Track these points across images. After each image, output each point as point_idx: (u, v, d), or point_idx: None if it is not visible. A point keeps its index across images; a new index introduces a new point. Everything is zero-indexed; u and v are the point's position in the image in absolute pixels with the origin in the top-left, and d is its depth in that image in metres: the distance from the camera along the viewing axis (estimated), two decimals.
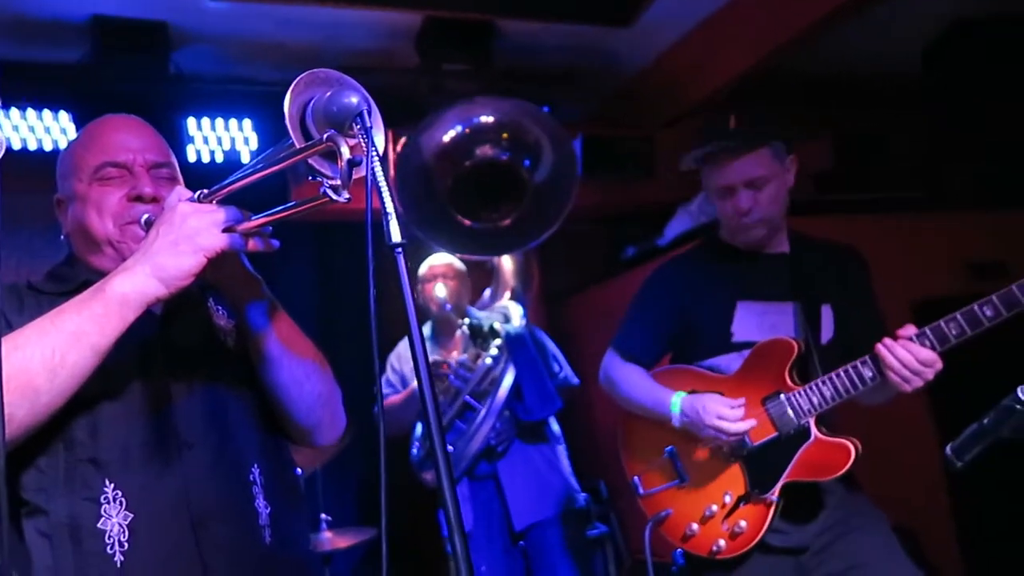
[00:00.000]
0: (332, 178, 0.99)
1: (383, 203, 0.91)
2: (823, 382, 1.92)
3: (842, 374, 1.90)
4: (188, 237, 1.09)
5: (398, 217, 0.92)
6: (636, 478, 2.16)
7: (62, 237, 1.40)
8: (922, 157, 4.28)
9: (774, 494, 1.94)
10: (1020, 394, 1.23)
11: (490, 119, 2.02)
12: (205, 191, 1.16)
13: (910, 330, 1.83)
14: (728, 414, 1.93)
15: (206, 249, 1.10)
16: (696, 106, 4.08)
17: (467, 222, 2.12)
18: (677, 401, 2.01)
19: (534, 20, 3.57)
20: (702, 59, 3.90)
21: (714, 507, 2.02)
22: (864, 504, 2.04)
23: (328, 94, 0.94)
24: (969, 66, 3.85)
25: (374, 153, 0.92)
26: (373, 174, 0.90)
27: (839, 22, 3.41)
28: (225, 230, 1.11)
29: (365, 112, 0.95)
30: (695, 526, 2.03)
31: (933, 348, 1.80)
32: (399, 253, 0.91)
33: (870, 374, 1.87)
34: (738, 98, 3.97)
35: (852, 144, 4.56)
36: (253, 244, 1.14)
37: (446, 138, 1.99)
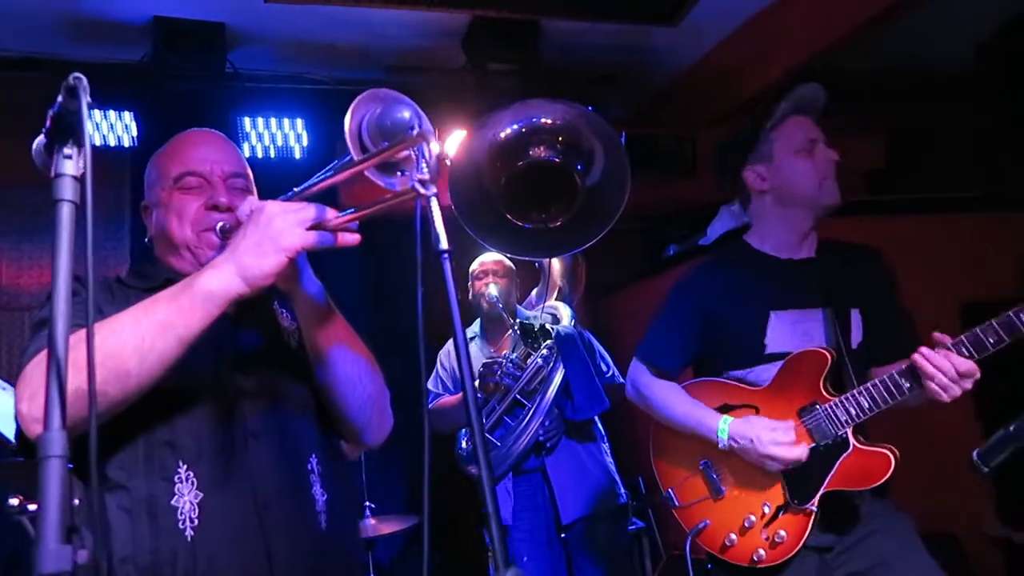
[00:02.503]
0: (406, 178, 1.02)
1: (431, 211, 0.97)
2: (860, 392, 1.89)
3: (879, 384, 1.87)
4: (272, 238, 1.14)
5: (445, 212, 0.97)
6: (670, 490, 2.16)
7: (147, 240, 1.52)
8: (976, 155, 4.18)
9: (814, 504, 1.94)
10: None
11: (547, 121, 2.05)
12: (296, 189, 1.23)
13: (946, 338, 1.78)
14: (783, 439, 1.92)
15: (287, 249, 1.14)
16: (740, 106, 4.06)
17: (518, 223, 2.15)
18: (725, 428, 1.99)
19: (580, 19, 3.60)
20: (748, 58, 3.87)
21: (753, 517, 2.01)
22: (888, 506, 2.03)
23: (379, 110, 1.01)
24: (1022, 62, 3.75)
25: (424, 164, 0.97)
26: (424, 185, 0.96)
27: (890, 20, 3.37)
28: (314, 227, 1.15)
29: (417, 125, 1.00)
30: (734, 536, 2.03)
31: (971, 356, 1.75)
32: (445, 259, 0.97)
33: (907, 384, 1.83)
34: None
35: (904, 142, 4.49)
36: (342, 239, 1.17)
37: (501, 136, 2.02)
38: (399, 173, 1.05)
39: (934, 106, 4.24)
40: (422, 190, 1.00)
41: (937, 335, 1.80)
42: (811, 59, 3.63)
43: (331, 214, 1.16)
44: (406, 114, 1.00)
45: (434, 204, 0.97)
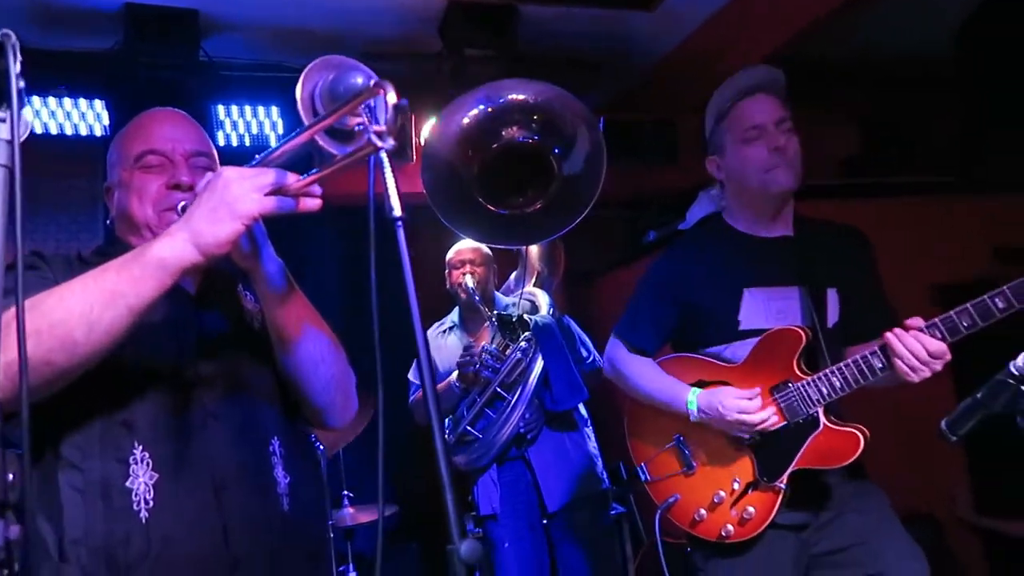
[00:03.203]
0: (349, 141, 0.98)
1: (385, 180, 0.95)
2: (832, 372, 1.91)
3: (851, 364, 1.88)
4: (227, 204, 1.10)
5: (400, 201, 0.94)
6: (643, 464, 2.18)
7: (108, 221, 1.49)
8: (951, 140, 4.21)
9: (783, 481, 1.95)
10: (1013, 369, 1.24)
11: (520, 98, 2.01)
12: (257, 157, 1.19)
13: (919, 321, 1.80)
14: (748, 406, 1.93)
15: (243, 216, 1.11)
16: None
17: (493, 209, 2.12)
18: (694, 399, 2.01)
19: (557, 4, 3.59)
20: (725, 43, 3.87)
21: (722, 493, 2.03)
22: (865, 484, 2.05)
23: (331, 76, 0.99)
24: (1002, 45, 3.77)
25: (375, 130, 0.93)
26: (377, 155, 0.94)
27: (866, 4, 3.38)
28: (273, 193, 1.12)
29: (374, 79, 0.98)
30: (703, 511, 2.05)
31: (944, 339, 1.77)
32: (399, 227, 0.95)
33: (879, 364, 1.85)
34: None
35: (880, 128, 4.51)
36: (303, 204, 1.14)
37: (472, 115, 1.99)
38: (356, 138, 1.02)
39: (909, 92, 4.26)
40: (379, 142, 0.96)
41: (909, 320, 1.81)
42: (789, 43, 3.63)
43: (292, 178, 1.12)
44: (359, 80, 0.98)
45: (386, 164, 0.94)
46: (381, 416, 0.97)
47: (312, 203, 1.14)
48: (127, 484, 1.21)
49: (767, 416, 1.94)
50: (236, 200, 1.10)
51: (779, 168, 2.01)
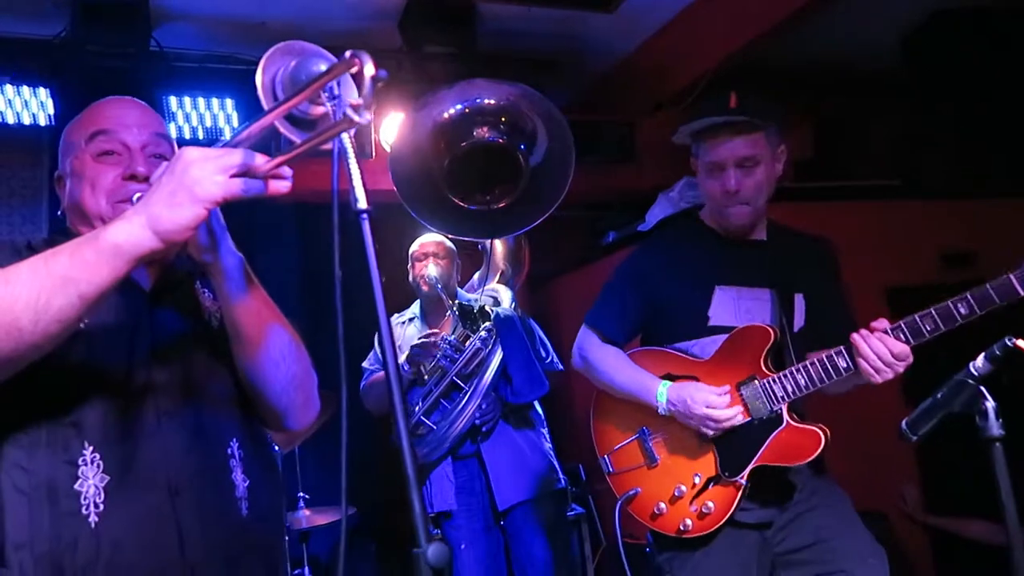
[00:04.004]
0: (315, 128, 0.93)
1: (349, 172, 0.91)
2: (797, 370, 1.94)
3: (816, 363, 1.93)
4: (187, 187, 1.02)
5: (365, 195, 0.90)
6: (606, 456, 2.19)
7: (59, 212, 1.40)
8: (899, 146, 4.32)
9: (743, 477, 1.98)
10: (972, 369, 1.27)
11: (491, 101, 2.01)
12: (222, 139, 1.12)
13: (884, 323, 1.85)
14: (716, 402, 1.95)
15: (205, 200, 1.02)
16: (677, 93, 4.10)
17: (461, 204, 2.12)
18: (664, 391, 2.03)
19: (517, 3, 3.58)
20: (683, 46, 3.92)
21: (683, 487, 2.05)
22: (828, 483, 2.08)
23: (294, 63, 0.95)
24: (948, 56, 3.89)
25: (351, 103, 0.87)
26: (341, 143, 0.91)
27: (820, 10, 3.44)
28: (240, 175, 1.04)
29: (335, 82, 0.94)
30: (663, 505, 2.06)
31: (906, 341, 1.82)
32: (364, 220, 0.91)
33: (844, 364, 1.89)
34: (719, 86, 3.99)
35: (831, 132, 4.60)
36: (273, 187, 1.07)
37: (446, 116, 1.97)
38: (319, 125, 0.98)
39: (861, 98, 4.36)
40: (356, 117, 0.88)
41: (875, 322, 1.86)
42: (745, 47, 3.69)
43: (260, 159, 1.05)
44: (322, 67, 0.94)
45: (351, 155, 0.91)
46: (344, 415, 0.93)
47: (282, 185, 1.07)
48: (75, 487, 1.15)
49: (733, 414, 1.96)
50: (197, 183, 1.02)
51: (732, 207, 2.07)
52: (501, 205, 2.12)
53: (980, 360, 1.32)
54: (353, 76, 0.89)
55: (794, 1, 3.37)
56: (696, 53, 3.87)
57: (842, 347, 1.89)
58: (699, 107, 2.15)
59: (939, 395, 1.28)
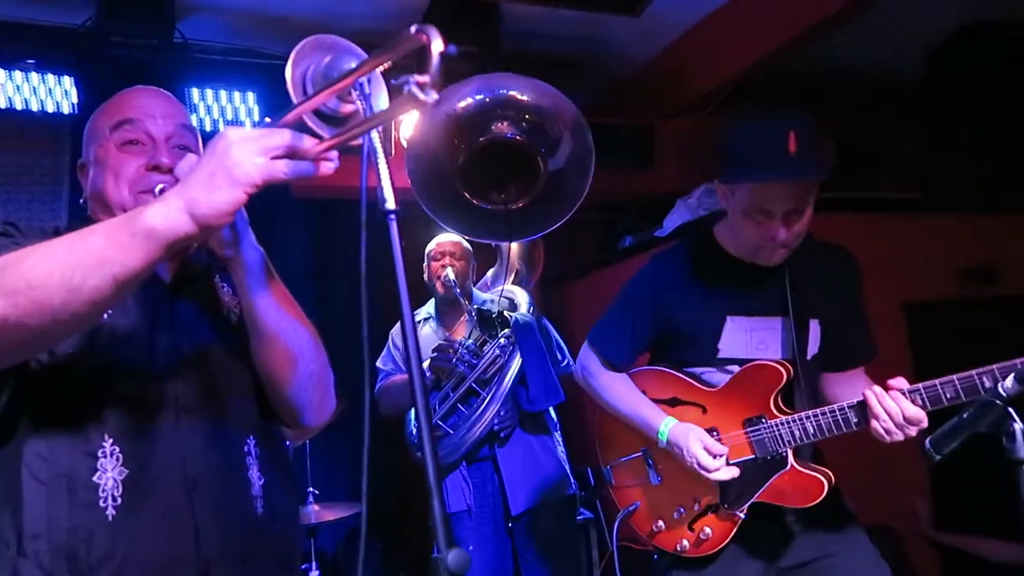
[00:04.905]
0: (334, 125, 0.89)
1: (378, 171, 0.90)
2: (807, 417, 1.89)
3: (828, 413, 1.87)
4: (227, 169, 0.98)
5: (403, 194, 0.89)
6: (608, 468, 2.18)
7: (81, 200, 1.40)
8: (918, 159, 4.29)
9: (743, 511, 1.96)
10: (1000, 390, 1.25)
11: (513, 95, 1.97)
12: (268, 119, 1.06)
13: (902, 383, 1.77)
14: (709, 464, 1.92)
15: (245, 183, 0.98)
16: (697, 99, 4.08)
17: (475, 202, 2.09)
18: (666, 430, 1.99)
19: (540, 4, 3.57)
20: (706, 53, 3.90)
21: (682, 509, 2.04)
22: (833, 496, 2.06)
23: (327, 59, 0.94)
24: (973, 70, 3.85)
25: (417, 80, 0.82)
26: (371, 142, 0.90)
27: (843, 21, 3.42)
28: (285, 157, 1.00)
29: (365, 80, 0.93)
30: (662, 523, 2.06)
31: (923, 407, 1.74)
32: (392, 221, 0.90)
33: (855, 419, 1.84)
34: (739, 94, 3.97)
35: (850, 144, 4.56)
36: (324, 168, 1.02)
37: (462, 107, 1.94)
38: (346, 123, 0.96)
39: (881, 109, 4.32)
40: (422, 95, 0.82)
41: (893, 381, 1.79)
42: (766, 56, 3.66)
43: (309, 141, 1.00)
44: (353, 64, 0.93)
45: (380, 154, 0.89)
46: (367, 412, 0.92)
47: (330, 167, 1.02)
48: (94, 479, 1.15)
49: (726, 476, 1.94)
50: (236, 165, 0.97)
51: (768, 251, 1.92)
52: (516, 206, 2.09)
53: (1009, 380, 1.29)
54: (416, 52, 0.83)
55: (820, 11, 3.34)
56: (719, 59, 3.85)
57: (856, 402, 1.83)
58: (749, 143, 1.88)
59: (965, 415, 1.26)
